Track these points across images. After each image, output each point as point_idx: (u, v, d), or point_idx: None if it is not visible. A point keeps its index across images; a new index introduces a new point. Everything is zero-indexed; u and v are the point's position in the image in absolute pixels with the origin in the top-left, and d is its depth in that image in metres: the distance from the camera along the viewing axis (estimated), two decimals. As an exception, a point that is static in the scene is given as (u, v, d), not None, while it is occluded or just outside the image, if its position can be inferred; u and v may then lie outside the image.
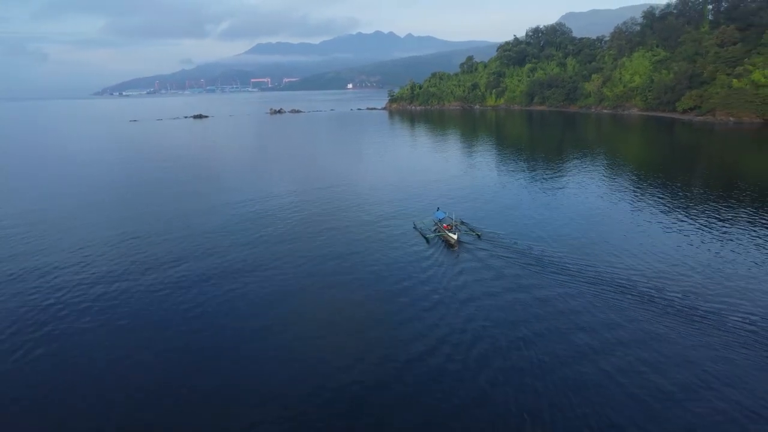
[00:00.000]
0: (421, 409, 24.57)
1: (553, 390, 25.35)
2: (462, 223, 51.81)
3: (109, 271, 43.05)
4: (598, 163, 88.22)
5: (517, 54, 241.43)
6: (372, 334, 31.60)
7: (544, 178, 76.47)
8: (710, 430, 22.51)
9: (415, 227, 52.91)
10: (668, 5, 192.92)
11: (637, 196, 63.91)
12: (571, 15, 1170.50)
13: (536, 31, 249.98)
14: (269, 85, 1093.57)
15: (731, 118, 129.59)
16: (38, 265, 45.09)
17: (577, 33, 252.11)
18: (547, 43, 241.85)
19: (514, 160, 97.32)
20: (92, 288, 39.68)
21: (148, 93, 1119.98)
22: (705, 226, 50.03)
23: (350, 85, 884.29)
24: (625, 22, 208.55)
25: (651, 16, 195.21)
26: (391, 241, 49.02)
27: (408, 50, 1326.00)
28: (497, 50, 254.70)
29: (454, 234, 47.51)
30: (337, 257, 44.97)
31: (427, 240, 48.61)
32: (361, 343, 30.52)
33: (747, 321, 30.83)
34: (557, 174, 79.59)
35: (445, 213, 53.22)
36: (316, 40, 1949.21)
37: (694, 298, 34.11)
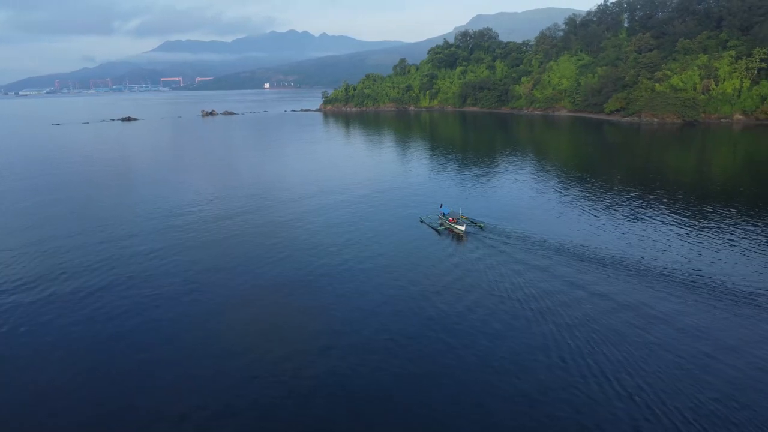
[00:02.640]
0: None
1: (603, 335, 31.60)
2: (464, 216, 55.53)
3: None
4: (544, 163, 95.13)
5: (448, 57, 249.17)
6: (432, 312, 35.64)
7: (518, 174, 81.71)
8: None
9: (422, 221, 56.35)
10: (588, 12, 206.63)
11: (562, 186, 73.87)
12: (479, 17, 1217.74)
13: (465, 35, 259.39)
14: (181, 85, 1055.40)
15: (655, 119, 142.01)
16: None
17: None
18: (476, 46, 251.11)
19: (476, 161, 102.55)
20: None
21: (47, 92, 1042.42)
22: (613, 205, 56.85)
23: (267, 85, 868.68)
24: (549, 28, 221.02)
25: (573, 23, 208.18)
26: (408, 233, 53.20)
27: (323, 50, 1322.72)
28: (428, 53, 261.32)
29: (461, 226, 51.37)
30: (369, 243, 50.05)
31: (438, 232, 52.51)
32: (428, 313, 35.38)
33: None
34: (525, 170, 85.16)
35: (449, 208, 56.55)
36: (228, 39, 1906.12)
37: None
